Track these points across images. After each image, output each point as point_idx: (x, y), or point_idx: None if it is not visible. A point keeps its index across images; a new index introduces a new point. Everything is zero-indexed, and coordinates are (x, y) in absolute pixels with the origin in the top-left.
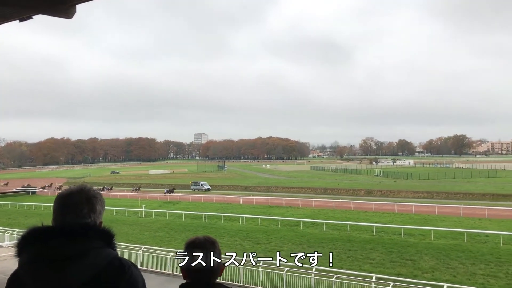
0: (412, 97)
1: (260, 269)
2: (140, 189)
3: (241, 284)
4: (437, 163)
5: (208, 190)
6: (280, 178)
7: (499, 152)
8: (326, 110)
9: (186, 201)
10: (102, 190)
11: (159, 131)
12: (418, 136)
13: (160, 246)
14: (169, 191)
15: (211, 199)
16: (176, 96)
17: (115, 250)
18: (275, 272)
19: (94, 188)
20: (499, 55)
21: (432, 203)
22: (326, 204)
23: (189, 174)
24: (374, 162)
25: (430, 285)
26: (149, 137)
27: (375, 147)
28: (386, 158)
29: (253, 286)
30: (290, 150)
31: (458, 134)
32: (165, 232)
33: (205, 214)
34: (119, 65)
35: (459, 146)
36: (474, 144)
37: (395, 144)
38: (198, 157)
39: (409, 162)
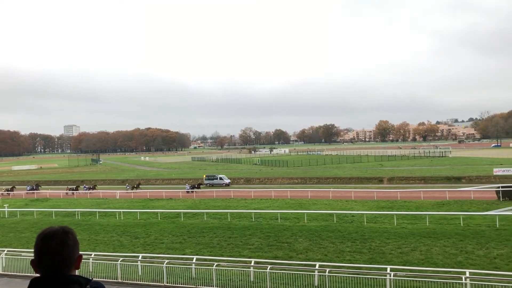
0: (287, 89)
1: (139, 263)
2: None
3: (119, 280)
4: (310, 151)
5: (228, 184)
6: (160, 170)
7: (363, 139)
8: (206, 100)
9: (56, 198)
10: None
11: (24, 123)
12: (293, 125)
13: (27, 248)
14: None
15: (85, 196)
16: (40, 83)
17: None
18: (155, 266)
19: None
20: (364, 51)
21: (306, 188)
22: (207, 194)
23: (60, 169)
24: (253, 151)
25: (304, 265)
26: (11, 130)
27: (254, 137)
28: (264, 147)
29: (132, 282)
30: (170, 141)
31: (327, 124)
32: (32, 233)
33: (78, 211)
34: None
35: (328, 134)
36: (342, 133)
37: (272, 133)
38: (69, 151)
39: (284, 151)
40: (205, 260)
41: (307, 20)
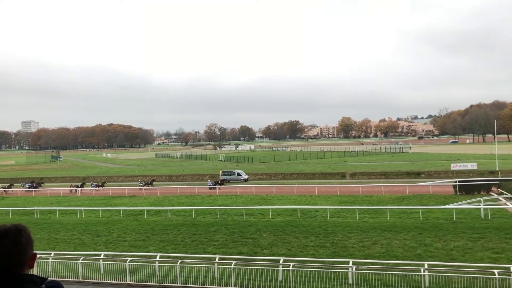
0: (252, 85)
1: (101, 262)
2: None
3: (80, 279)
4: (275, 147)
5: (246, 180)
6: (122, 167)
7: (327, 135)
8: (171, 96)
9: (13, 196)
10: None
11: None
12: (258, 122)
13: None
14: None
15: (44, 193)
16: None
17: None
18: (117, 264)
19: None
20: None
21: (271, 184)
22: (171, 190)
23: (17, 166)
24: (218, 148)
25: (269, 260)
26: None
27: (219, 133)
28: (229, 143)
29: (93, 280)
30: (133, 138)
31: (292, 120)
32: None
33: (36, 209)
34: None
35: (293, 130)
36: (306, 129)
37: (238, 129)
38: (27, 147)
39: (250, 147)
40: (169, 257)
41: (274, 17)
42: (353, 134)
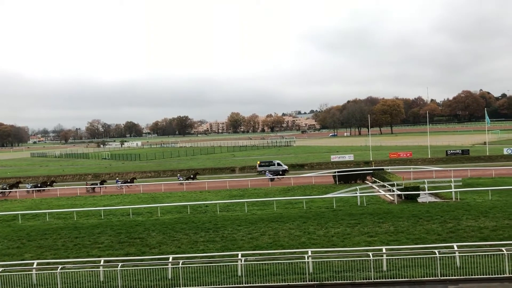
0: (138, 80)
1: None
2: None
3: None
4: (163, 143)
5: (286, 171)
6: None
7: (216, 131)
8: (48, 91)
9: None
10: None
11: None
12: (145, 117)
13: None
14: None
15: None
16: None
17: None
18: None
19: None
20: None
21: (159, 181)
22: (49, 192)
23: None
24: (102, 145)
25: (158, 259)
26: None
27: (103, 130)
28: (114, 141)
29: None
30: (5, 136)
31: (181, 116)
32: None
33: None
34: None
35: (182, 126)
36: (196, 125)
37: (123, 126)
38: None
39: (137, 144)
40: (48, 263)
41: (164, 13)
42: (242, 129)
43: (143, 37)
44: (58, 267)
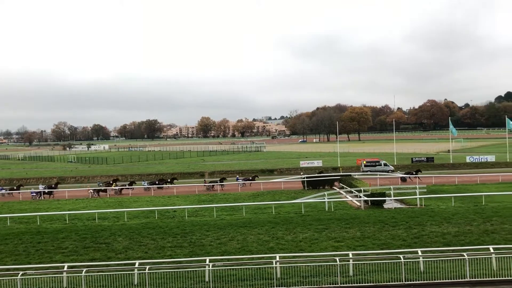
0: (108, 82)
1: None
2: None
3: None
4: (132, 147)
5: (393, 171)
6: None
7: (186, 135)
8: (11, 91)
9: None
10: None
11: None
12: (113, 120)
13: None
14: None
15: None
16: None
17: None
18: None
19: None
20: (188, 49)
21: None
22: (11, 197)
23: None
24: (68, 148)
25: (124, 264)
26: None
27: (69, 132)
28: (81, 144)
29: None
30: None
31: (150, 119)
32: None
33: None
34: None
35: (151, 130)
36: (165, 129)
37: (90, 128)
38: None
39: (104, 147)
40: (8, 270)
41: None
42: (212, 134)
43: (112, 37)
44: (18, 273)
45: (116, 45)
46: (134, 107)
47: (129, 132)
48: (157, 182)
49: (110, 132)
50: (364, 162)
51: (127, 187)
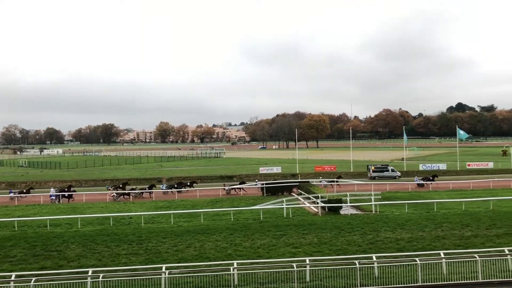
0: (60, 84)
1: None
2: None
3: None
4: (87, 152)
5: (400, 176)
6: None
7: (144, 140)
8: None
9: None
10: None
11: None
12: (68, 124)
13: None
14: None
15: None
16: None
17: None
18: None
19: None
20: (148, 52)
21: (81, 191)
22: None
23: None
24: (19, 152)
25: (76, 272)
26: None
27: (20, 136)
28: (33, 147)
29: None
30: None
31: (106, 123)
32: None
33: None
34: None
35: (107, 134)
36: (122, 133)
37: (43, 132)
38: None
39: (58, 151)
40: None
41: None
42: (171, 139)
43: (70, 38)
44: None
45: (73, 46)
46: (90, 110)
47: (84, 137)
48: (175, 186)
49: (64, 136)
50: (373, 168)
51: (147, 190)
